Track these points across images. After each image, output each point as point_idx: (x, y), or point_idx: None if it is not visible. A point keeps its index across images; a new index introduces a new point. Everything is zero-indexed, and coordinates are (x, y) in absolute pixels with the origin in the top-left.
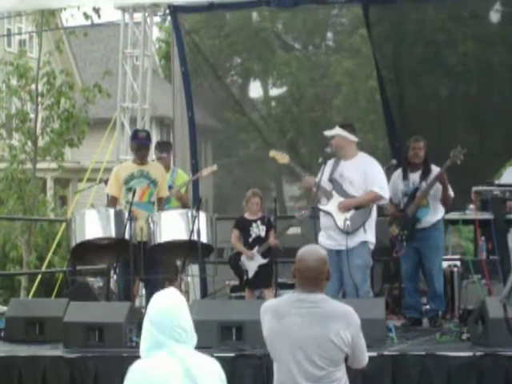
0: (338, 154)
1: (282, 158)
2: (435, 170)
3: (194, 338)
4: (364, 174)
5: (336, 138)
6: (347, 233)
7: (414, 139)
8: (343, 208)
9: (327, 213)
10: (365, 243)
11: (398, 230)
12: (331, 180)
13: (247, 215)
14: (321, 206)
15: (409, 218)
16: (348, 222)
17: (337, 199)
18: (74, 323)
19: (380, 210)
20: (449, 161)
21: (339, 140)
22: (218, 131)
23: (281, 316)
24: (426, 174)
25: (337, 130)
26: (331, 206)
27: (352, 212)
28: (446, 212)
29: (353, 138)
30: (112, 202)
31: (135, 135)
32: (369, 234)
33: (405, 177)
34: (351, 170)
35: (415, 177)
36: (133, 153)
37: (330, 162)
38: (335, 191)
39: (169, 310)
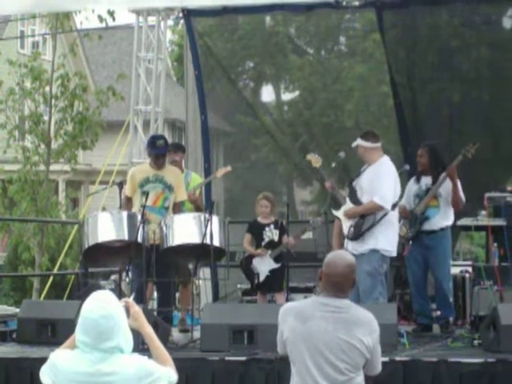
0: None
1: (317, 161)
2: None
3: (120, 346)
4: (371, 181)
5: (358, 148)
6: (350, 239)
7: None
8: (348, 216)
9: (339, 218)
10: (375, 251)
11: (406, 229)
12: (349, 186)
13: (260, 219)
14: (334, 212)
15: (416, 215)
16: (352, 229)
17: (347, 206)
18: None
19: None
20: (460, 155)
21: (359, 149)
22: (230, 135)
23: (305, 318)
24: (437, 176)
25: (357, 141)
26: (342, 212)
27: (356, 219)
28: (457, 217)
29: (369, 144)
30: (127, 202)
31: (153, 144)
32: (381, 242)
33: (418, 180)
34: (365, 177)
35: (428, 180)
36: (150, 160)
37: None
38: (349, 198)
39: (95, 323)
